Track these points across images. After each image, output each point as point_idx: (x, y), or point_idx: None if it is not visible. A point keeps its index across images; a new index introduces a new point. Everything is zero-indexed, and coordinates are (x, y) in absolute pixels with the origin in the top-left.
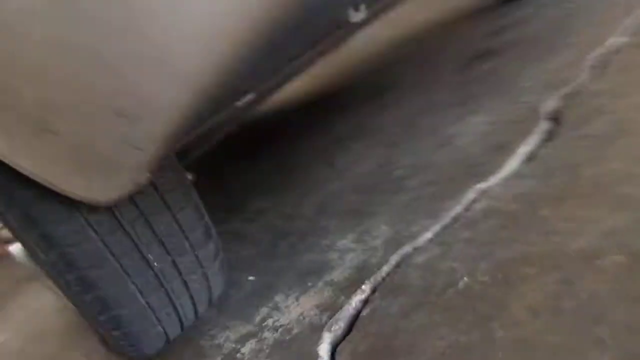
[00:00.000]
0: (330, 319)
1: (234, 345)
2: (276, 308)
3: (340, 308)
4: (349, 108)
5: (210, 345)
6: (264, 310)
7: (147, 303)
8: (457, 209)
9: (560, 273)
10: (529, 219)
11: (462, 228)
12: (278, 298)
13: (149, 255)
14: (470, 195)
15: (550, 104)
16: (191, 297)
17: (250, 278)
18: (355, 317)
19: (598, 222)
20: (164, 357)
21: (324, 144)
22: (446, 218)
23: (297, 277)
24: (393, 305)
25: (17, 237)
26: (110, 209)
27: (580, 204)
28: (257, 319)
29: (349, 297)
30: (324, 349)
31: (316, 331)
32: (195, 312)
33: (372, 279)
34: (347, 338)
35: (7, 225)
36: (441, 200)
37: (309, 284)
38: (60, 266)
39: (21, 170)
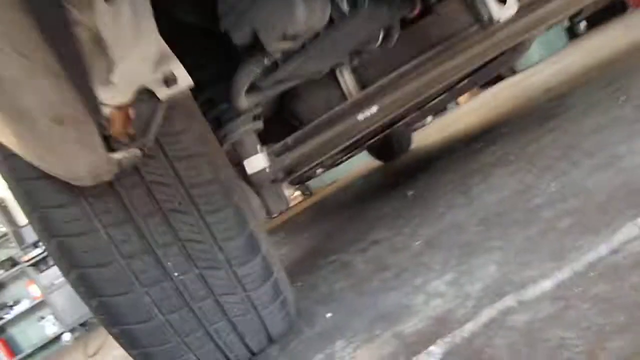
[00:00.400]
0: None
1: None
2: (331, 357)
3: None
4: (503, 135)
5: None
6: (318, 357)
7: (168, 321)
8: (601, 249)
9: None
10: None
11: (598, 278)
12: (338, 345)
13: (167, 261)
14: (626, 231)
15: None
16: (233, 327)
17: (328, 315)
18: None
19: None
20: None
21: (464, 172)
22: (579, 261)
23: (369, 322)
24: None
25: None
26: (119, 197)
27: None
28: None
29: (409, 359)
30: None
31: None
32: (246, 346)
33: (448, 338)
34: None
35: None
36: (580, 235)
37: (377, 332)
38: (61, 260)
39: None
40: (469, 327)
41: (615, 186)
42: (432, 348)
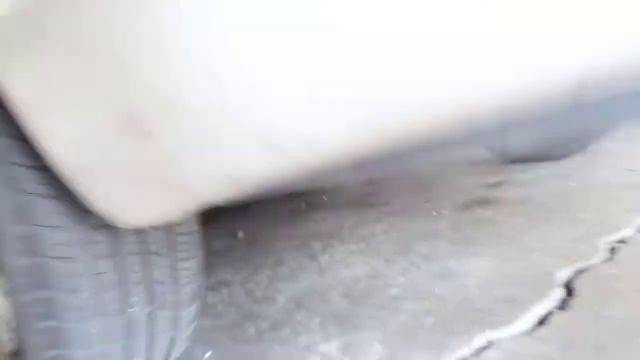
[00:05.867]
0: None
1: None
2: None
3: None
4: (334, 208)
5: None
6: None
7: (101, 352)
8: (465, 351)
9: None
10: None
11: None
12: None
13: (135, 295)
14: (480, 341)
15: (564, 273)
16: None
17: (207, 355)
18: None
19: None
20: None
21: (305, 235)
22: (451, 357)
23: None
24: None
25: None
26: (115, 231)
27: None
28: None
29: None
30: None
31: None
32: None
33: None
34: None
35: None
36: (445, 335)
37: None
38: (31, 279)
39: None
40: None
41: (459, 298)
42: None
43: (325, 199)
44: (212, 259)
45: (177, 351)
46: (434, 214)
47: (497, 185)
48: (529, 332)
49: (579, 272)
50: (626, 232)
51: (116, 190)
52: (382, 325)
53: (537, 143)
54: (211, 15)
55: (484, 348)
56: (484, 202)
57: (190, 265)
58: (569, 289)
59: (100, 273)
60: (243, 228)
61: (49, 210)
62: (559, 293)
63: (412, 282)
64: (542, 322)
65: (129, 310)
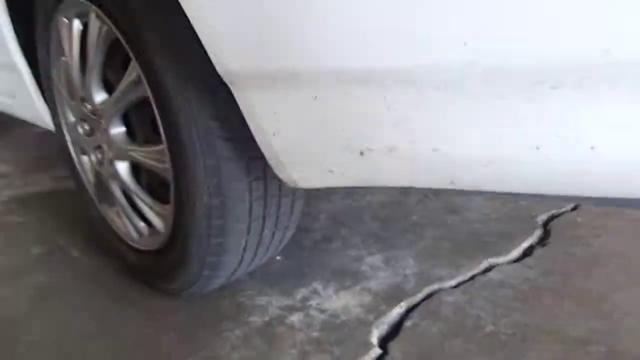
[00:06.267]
0: (375, 319)
1: (279, 312)
2: (316, 293)
3: (384, 314)
4: None
5: (252, 304)
6: (303, 291)
7: (242, 257)
8: (475, 270)
9: (562, 346)
10: (537, 301)
11: (481, 287)
12: (317, 285)
13: (268, 222)
14: (485, 264)
15: (542, 217)
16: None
17: (278, 258)
18: (398, 325)
19: (588, 319)
20: (202, 308)
21: None
22: (466, 274)
23: (333, 274)
24: (433, 326)
25: (186, 180)
26: (264, 184)
27: (575, 302)
28: (298, 297)
29: (390, 307)
30: (376, 341)
31: (364, 325)
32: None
33: (408, 301)
34: (396, 339)
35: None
36: (459, 257)
37: (347, 283)
38: (215, 212)
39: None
40: (419, 296)
41: (467, 230)
42: (401, 304)
43: None
44: None
45: (272, 256)
46: None
47: None
48: (518, 260)
49: (553, 217)
50: None
51: (308, 173)
52: (411, 245)
53: None
54: None
55: (488, 269)
56: None
57: (300, 202)
58: (546, 230)
59: (253, 209)
60: None
61: (231, 168)
62: (539, 232)
63: (427, 213)
64: (527, 253)
65: (265, 231)
